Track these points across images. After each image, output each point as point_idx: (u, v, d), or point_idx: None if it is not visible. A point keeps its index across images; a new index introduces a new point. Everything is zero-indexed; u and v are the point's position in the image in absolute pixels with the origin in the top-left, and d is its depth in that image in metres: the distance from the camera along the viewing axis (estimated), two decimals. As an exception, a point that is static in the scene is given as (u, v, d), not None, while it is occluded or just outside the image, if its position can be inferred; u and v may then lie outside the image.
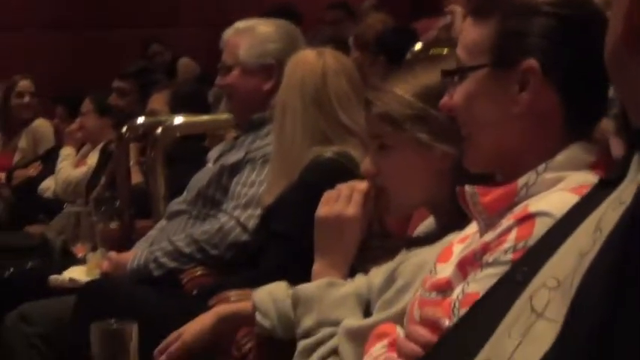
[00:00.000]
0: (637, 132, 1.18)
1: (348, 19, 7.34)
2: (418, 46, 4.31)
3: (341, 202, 2.14)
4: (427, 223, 2.07)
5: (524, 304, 1.16)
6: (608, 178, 1.25)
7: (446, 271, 1.75)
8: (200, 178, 3.31)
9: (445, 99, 1.77)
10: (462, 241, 1.80)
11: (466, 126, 1.75)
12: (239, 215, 3.09)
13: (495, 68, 1.69)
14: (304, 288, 2.14)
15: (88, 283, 3.32)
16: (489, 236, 1.64)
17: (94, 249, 3.70)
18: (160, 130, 3.75)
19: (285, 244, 2.80)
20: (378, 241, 2.21)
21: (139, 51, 8.21)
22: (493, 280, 1.48)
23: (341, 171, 2.65)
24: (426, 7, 8.14)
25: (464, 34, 1.77)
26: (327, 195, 2.18)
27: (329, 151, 2.81)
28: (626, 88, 1.20)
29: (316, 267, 2.17)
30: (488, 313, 1.22)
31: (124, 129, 4.05)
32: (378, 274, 2.10)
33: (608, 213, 1.15)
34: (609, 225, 1.13)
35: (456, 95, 1.74)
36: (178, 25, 8.98)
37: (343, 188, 2.16)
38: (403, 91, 2.00)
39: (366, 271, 2.17)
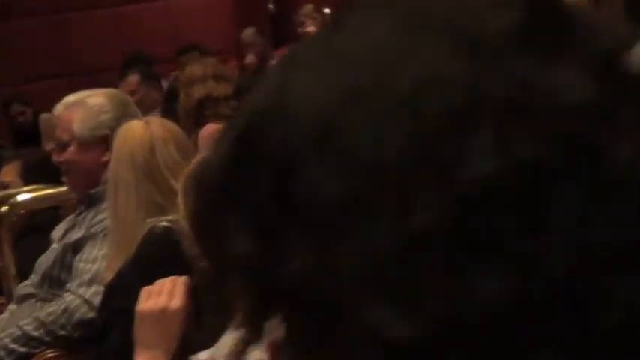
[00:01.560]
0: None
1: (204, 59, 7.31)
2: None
3: (165, 295, 2.14)
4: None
5: None
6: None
7: None
8: (45, 259, 3.29)
9: None
10: None
11: None
12: (84, 293, 3.09)
13: None
14: None
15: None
16: None
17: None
18: (4, 208, 3.72)
19: (127, 319, 2.80)
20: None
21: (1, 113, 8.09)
22: None
23: (176, 240, 2.67)
24: (286, 35, 8.20)
25: None
26: (149, 289, 2.18)
27: (163, 221, 2.82)
28: None
29: None
30: None
31: (-25, 206, 4.01)
32: None
33: None
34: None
35: None
36: (38, 79, 8.84)
37: (166, 282, 2.16)
38: None
39: None
